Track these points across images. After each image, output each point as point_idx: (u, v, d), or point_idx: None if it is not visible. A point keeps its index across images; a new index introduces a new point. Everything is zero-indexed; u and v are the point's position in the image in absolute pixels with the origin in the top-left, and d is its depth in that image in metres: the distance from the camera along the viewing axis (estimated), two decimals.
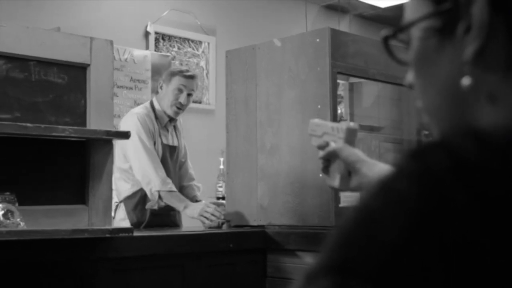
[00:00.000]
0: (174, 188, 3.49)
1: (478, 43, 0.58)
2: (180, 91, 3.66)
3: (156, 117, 3.70)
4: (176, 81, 3.67)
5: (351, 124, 1.65)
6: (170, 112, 3.68)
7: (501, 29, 0.57)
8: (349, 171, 1.60)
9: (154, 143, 3.64)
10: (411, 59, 0.66)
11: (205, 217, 3.32)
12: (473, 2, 0.58)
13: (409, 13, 0.66)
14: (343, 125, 1.64)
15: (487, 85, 0.59)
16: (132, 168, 3.59)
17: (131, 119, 3.61)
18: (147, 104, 3.79)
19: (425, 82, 0.65)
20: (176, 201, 3.46)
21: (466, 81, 0.59)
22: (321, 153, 1.65)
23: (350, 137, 1.62)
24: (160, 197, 3.47)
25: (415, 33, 0.64)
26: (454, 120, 0.62)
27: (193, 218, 3.41)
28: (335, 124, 1.67)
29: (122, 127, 3.63)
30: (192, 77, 3.72)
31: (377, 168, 1.55)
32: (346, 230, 0.52)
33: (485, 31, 0.57)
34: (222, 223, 3.31)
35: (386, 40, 0.68)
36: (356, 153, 1.59)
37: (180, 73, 3.71)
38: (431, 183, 0.49)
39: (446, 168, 0.49)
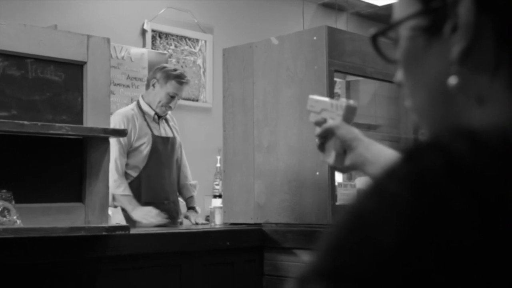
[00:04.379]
0: (127, 192, 3.63)
1: (464, 43, 0.58)
2: (173, 97, 3.78)
3: (143, 112, 3.80)
4: (171, 86, 3.76)
5: (351, 101, 1.63)
6: (158, 110, 3.80)
7: (488, 29, 0.57)
8: (345, 149, 1.58)
9: (132, 139, 3.72)
10: (399, 58, 0.66)
11: (147, 220, 3.54)
12: (459, 1, 0.58)
13: (398, 11, 0.66)
14: (342, 102, 1.62)
15: (476, 85, 0.59)
16: None
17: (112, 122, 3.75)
18: (133, 104, 3.91)
19: (413, 81, 0.65)
20: (127, 203, 3.62)
21: (452, 80, 0.59)
22: (318, 129, 1.63)
23: (349, 115, 1.61)
24: (114, 199, 3.62)
25: (403, 32, 0.64)
26: (444, 120, 0.62)
27: (138, 220, 3.58)
28: (334, 101, 1.65)
29: None
30: (186, 83, 3.86)
31: (374, 147, 1.54)
32: (338, 233, 0.51)
33: (471, 31, 0.57)
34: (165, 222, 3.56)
35: (374, 38, 0.68)
36: (353, 131, 1.58)
37: (177, 78, 3.78)
38: (425, 185, 0.49)
39: (440, 169, 0.49)
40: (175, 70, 3.89)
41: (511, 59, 0.57)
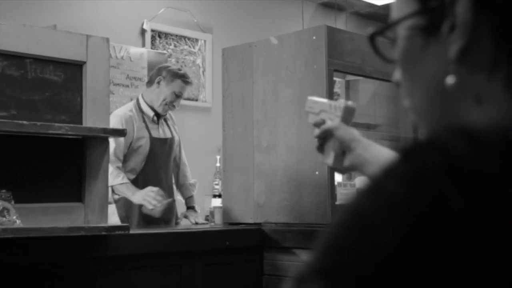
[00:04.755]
0: (125, 180, 3.60)
1: (462, 42, 0.57)
2: (177, 96, 3.75)
3: (142, 112, 3.75)
4: (177, 85, 3.74)
5: (349, 102, 1.63)
6: (159, 109, 3.76)
7: (486, 28, 0.57)
8: (344, 150, 1.58)
9: (131, 141, 3.67)
10: (397, 57, 0.66)
11: (148, 201, 3.51)
12: (457, 1, 0.58)
13: (396, 11, 0.66)
14: (341, 103, 1.62)
15: (473, 84, 0.58)
16: None
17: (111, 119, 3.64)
18: (131, 103, 3.85)
19: (411, 81, 0.65)
20: (126, 190, 3.58)
21: (450, 80, 0.59)
22: (317, 131, 1.63)
23: (347, 116, 1.61)
24: (113, 191, 3.58)
25: (401, 31, 0.64)
26: (442, 120, 0.62)
27: (139, 203, 3.56)
28: (333, 102, 1.65)
29: None
30: (191, 83, 3.86)
31: (373, 148, 1.54)
32: (336, 232, 0.51)
33: (469, 30, 0.57)
34: (167, 203, 3.55)
35: (372, 37, 0.68)
36: (351, 132, 1.58)
37: (182, 78, 3.77)
38: (424, 184, 0.48)
39: (439, 168, 0.49)
40: (180, 69, 3.88)
41: (509, 58, 0.57)
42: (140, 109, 3.77)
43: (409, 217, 0.47)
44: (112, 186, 3.53)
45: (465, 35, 0.57)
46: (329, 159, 1.60)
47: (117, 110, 3.84)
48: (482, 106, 0.58)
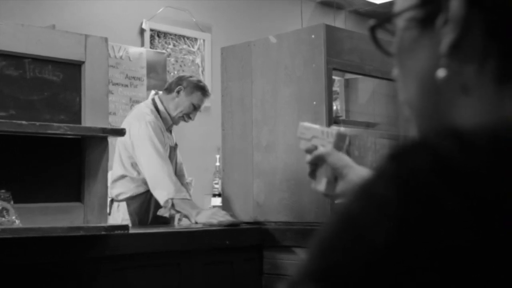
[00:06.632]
0: (188, 196, 3.41)
1: (453, 36, 0.58)
2: (195, 109, 3.69)
3: (161, 120, 3.67)
4: (197, 97, 3.68)
5: (342, 129, 1.64)
6: (175, 119, 3.70)
7: (477, 23, 0.58)
8: (336, 176, 1.58)
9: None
10: (394, 50, 0.66)
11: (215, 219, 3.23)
12: None
13: (398, 4, 0.66)
14: (333, 130, 1.63)
15: (462, 75, 0.59)
16: (143, 175, 3.51)
17: (144, 127, 3.50)
18: (150, 105, 3.71)
19: (405, 73, 0.65)
20: (189, 208, 3.33)
21: (441, 73, 0.60)
22: (309, 157, 1.64)
23: (340, 142, 1.61)
24: (173, 204, 3.35)
25: (400, 23, 0.65)
26: (433, 113, 0.62)
27: (202, 222, 3.29)
28: (325, 128, 1.65)
29: (133, 132, 3.47)
30: (208, 96, 3.78)
31: (365, 174, 1.54)
32: (330, 234, 0.51)
33: (461, 25, 0.58)
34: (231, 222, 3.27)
35: (373, 30, 0.68)
36: (344, 158, 1.58)
37: (202, 90, 3.71)
38: (417, 184, 0.49)
39: (428, 170, 0.49)
40: (200, 81, 3.79)
41: (498, 52, 0.57)
42: (161, 116, 3.66)
43: (403, 218, 0.48)
44: (172, 199, 3.33)
45: (456, 29, 0.58)
46: (321, 185, 1.60)
47: (147, 117, 3.58)
48: (469, 98, 0.59)
